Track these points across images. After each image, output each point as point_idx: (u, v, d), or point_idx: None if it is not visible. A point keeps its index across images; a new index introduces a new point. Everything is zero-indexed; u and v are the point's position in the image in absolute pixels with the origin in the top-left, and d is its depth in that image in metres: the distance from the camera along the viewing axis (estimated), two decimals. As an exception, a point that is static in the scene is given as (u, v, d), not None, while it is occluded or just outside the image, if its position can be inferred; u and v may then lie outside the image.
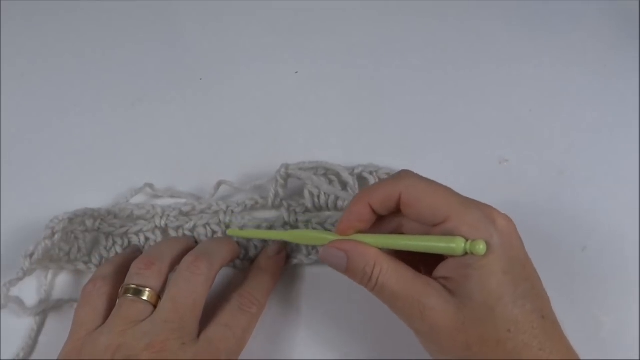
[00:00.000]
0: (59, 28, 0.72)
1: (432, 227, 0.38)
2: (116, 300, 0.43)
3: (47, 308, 0.48)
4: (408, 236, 0.40)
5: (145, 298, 0.42)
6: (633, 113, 0.61)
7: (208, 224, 0.50)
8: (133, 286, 0.42)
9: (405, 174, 0.40)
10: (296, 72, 0.66)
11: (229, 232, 0.50)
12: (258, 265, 0.47)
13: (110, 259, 0.47)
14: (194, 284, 0.42)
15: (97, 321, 0.42)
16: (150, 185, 0.54)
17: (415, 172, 0.40)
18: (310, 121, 0.61)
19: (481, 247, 0.34)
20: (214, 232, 0.50)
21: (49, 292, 0.49)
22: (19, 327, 0.47)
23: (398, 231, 0.42)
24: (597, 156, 0.57)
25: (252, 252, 0.50)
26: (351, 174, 0.53)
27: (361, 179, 0.54)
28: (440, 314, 0.36)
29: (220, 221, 0.51)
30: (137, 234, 0.50)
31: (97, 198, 0.54)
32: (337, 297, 0.49)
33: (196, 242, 0.50)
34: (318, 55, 0.68)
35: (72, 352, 0.40)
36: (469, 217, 0.36)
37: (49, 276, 0.49)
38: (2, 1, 0.74)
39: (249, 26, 0.72)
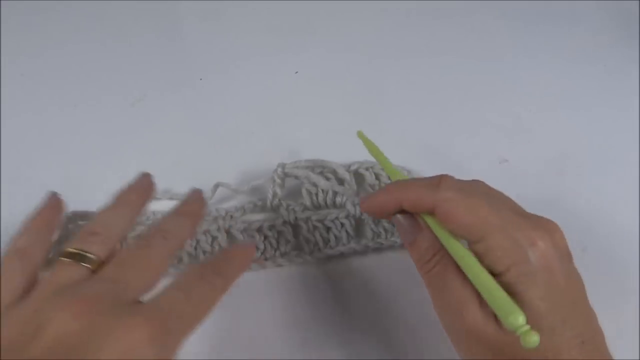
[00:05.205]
0: (59, 28, 0.72)
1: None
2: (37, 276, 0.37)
3: None
4: (480, 269, 0.36)
5: (85, 264, 0.35)
6: (633, 113, 0.61)
7: (208, 230, 0.50)
8: (72, 250, 0.36)
9: (444, 183, 0.38)
10: (296, 72, 0.66)
11: (359, 133, 0.49)
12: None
13: (27, 225, 0.41)
14: (148, 253, 0.37)
15: (15, 294, 0.34)
16: None
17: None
18: (310, 121, 0.61)
19: (528, 340, 0.32)
20: (213, 238, 0.50)
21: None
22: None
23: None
24: (597, 156, 0.58)
25: (269, 253, 0.50)
26: (347, 170, 0.53)
27: (358, 175, 0.54)
28: (480, 321, 0.35)
29: (219, 227, 0.50)
30: (135, 238, 0.49)
31: (97, 197, 0.53)
32: (337, 298, 0.48)
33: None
34: (318, 55, 0.68)
35: None
36: (498, 244, 0.35)
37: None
38: (2, 1, 0.74)
39: (249, 26, 0.72)
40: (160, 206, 0.53)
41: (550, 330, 0.33)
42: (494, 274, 0.35)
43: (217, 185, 0.53)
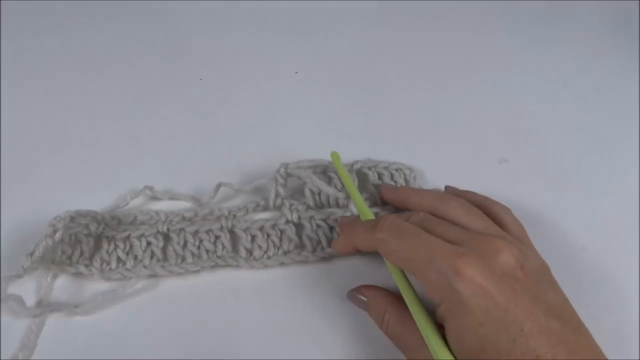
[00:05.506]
0: (59, 28, 0.73)
1: None
2: None
3: (46, 310, 0.47)
4: (424, 317, 0.38)
5: None
6: (633, 113, 0.62)
7: (211, 230, 0.50)
8: None
9: (380, 225, 0.41)
10: (296, 72, 0.67)
11: (332, 154, 0.53)
12: None
13: None
14: None
15: None
16: (150, 188, 0.53)
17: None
18: (310, 121, 0.61)
19: None
20: (216, 237, 0.50)
21: (49, 294, 0.48)
22: (18, 328, 0.46)
23: None
24: (597, 156, 0.58)
25: (272, 252, 0.49)
26: (350, 170, 0.54)
27: (360, 175, 0.54)
28: None
29: (222, 226, 0.50)
30: (139, 238, 0.50)
31: (97, 198, 0.53)
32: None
33: None
34: (318, 55, 0.69)
35: None
36: (429, 277, 0.37)
37: (49, 278, 0.49)
38: (2, 1, 0.74)
39: (249, 26, 0.73)
40: (161, 206, 0.53)
41: (496, 351, 0.34)
42: (436, 306, 0.37)
43: (219, 185, 0.53)
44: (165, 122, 0.61)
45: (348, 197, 0.51)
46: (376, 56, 0.68)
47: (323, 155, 0.53)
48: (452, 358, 0.35)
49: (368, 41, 0.70)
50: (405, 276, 0.41)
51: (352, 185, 0.50)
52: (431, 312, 0.38)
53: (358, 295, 0.45)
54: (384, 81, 0.65)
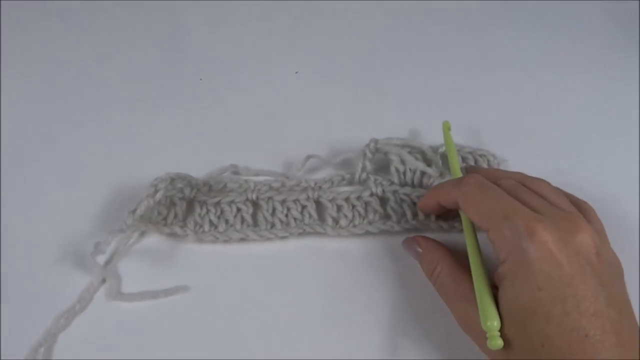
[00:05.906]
0: (59, 28, 0.73)
1: None
2: None
3: (110, 271, 0.48)
4: (477, 270, 0.40)
5: None
6: (633, 113, 0.62)
7: (298, 199, 0.52)
8: None
9: (467, 180, 0.43)
10: (296, 72, 0.68)
11: (444, 123, 0.56)
12: None
13: None
14: None
15: None
16: (235, 166, 0.56)
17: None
18: (310, 121, 0.62)
19: (492, 343, 0.36)
20: (303, 207, 0.52)
21: (119, 258, 0.49)
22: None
23: None
24: (597, 156, 0.58)
25: (357, 221, 0.51)
26: (435, 152, 0.55)
27: (444, 157, 0.55)
28: (478, 321, 0.38)
29: (308, 197, 0.52)
30: (229, 204, 0.52)
31: (98, 198, 0.54)
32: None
33: None
34: (318, 55, 0.70)
35: None
36: (502, 233, 0.38)
37: (131, 241, 0.50)
38: (2, 1, 0.75)
39: (249, 26, 0.74)
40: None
41: (546, 318, 0.34)
42: (499, 264, 0.38)
43: (308, 157, 0.55)
44: (164, 122, 0.62)
45: (437, 173, 0.53)
46: (376, 56, 0.69)
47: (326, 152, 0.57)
48: (497, 315, 0.36)
49: (368, 41, 0.71)
50: (475, 234, 0.43)
51: (454, 155, 0.52)
52: (490, 275, 0.40)
53: (415, 245, 0.47)
54: (383, 81, 0.66)
